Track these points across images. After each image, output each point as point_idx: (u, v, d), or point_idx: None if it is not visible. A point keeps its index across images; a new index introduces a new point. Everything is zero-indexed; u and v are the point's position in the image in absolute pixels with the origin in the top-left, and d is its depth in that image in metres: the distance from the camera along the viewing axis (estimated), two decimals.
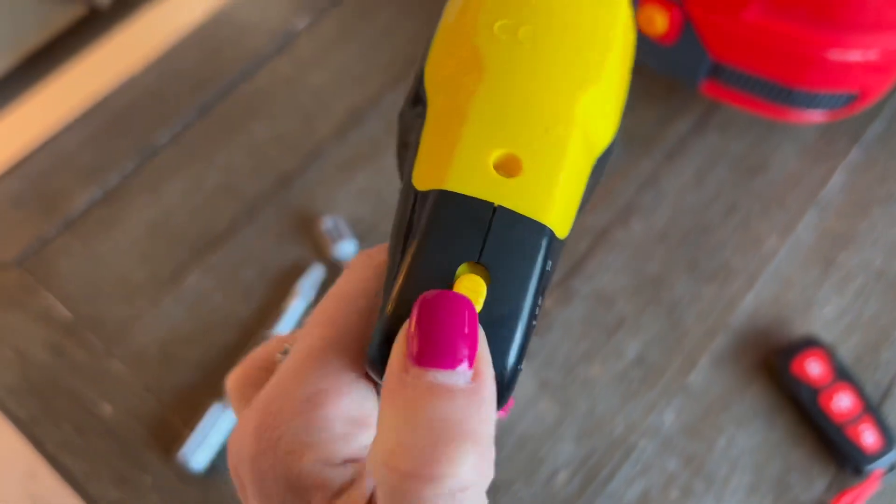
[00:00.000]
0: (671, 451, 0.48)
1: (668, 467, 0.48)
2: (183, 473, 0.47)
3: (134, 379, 0.51)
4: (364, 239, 0.54)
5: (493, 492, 0.47)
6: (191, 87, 0.61)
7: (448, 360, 0.17)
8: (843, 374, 0.49)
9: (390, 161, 0.58)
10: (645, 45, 0.52)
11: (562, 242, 0.20)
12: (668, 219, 0.55)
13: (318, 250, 0.54)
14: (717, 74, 0.52)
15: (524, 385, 0.50)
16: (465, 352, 0.17)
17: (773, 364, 0.50)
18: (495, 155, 0.20)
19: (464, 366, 0.17)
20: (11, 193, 0.57)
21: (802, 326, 0.52)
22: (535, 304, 0.19)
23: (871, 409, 0.48)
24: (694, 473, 0.48)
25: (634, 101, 0.59)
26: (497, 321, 0.18)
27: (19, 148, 0.86)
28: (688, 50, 0.51)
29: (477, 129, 0.20)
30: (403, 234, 0.19)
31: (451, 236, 0.19)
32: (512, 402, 0.23)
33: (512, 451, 0.48)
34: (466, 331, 0.17)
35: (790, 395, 0.49)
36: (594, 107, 0.21)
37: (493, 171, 0.19)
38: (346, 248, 0.53)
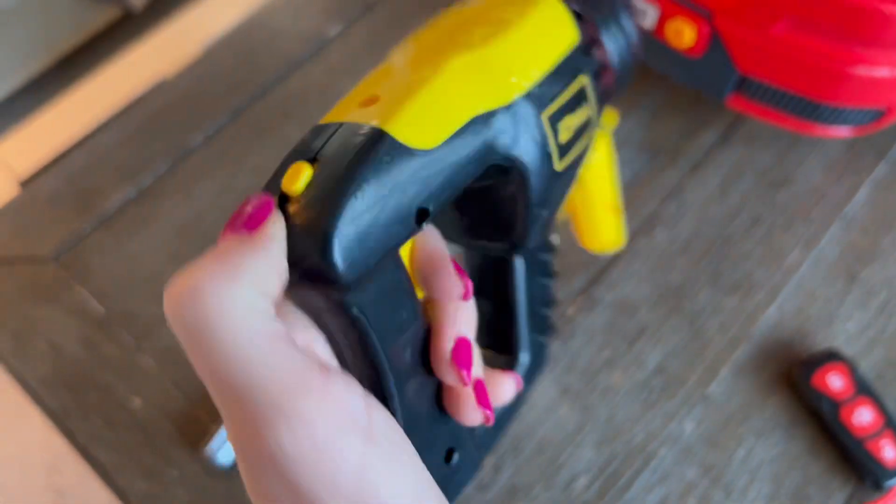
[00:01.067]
0: (690, 460, 0.49)
1: (686, 476, 0.48)
2: (209, 467, 0.49)
3: (163, 374, 0.52)
4: None
5: (512, 495, 0.48)
6: (225, 90, 0.62)
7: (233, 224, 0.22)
8: (864, 389, 0.49)
9: None
10: (672, 58, 0.53)
11: (416, 150, 0.22)
12: (692, 230, 0.56)
13: None
14: (743, 88, 0.52)
15: (545, 390, 0.51)
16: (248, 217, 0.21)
17: (794, 376, 0.50)
18: (363, 97, 0.24)
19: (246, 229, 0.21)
20: (49, 190, 0.59)
21: (824, 340, 0.52)
22: (360, 183, 0.21)
23: (891, 425, 0.48)
24: (713, 483, 0.48)
25: (659, 111, 0.60)
26: (322, 187, 0.21)
27: (57, 146, 0.88)
28: (715, 63, 0.51)
29: (358, 88, 0.25)
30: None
31: (302, 145, 0.23)
32: (489, 416, 0.26)
33: (531, 454, 0.49)
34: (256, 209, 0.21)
35: (811, 408, 0.49)
36: (473, 66, 0.24)
37: (356, 106, 0.23)
38: None
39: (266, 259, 0.20)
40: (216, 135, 0.60)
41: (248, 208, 0.22)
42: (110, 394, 0.51)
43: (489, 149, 0.24)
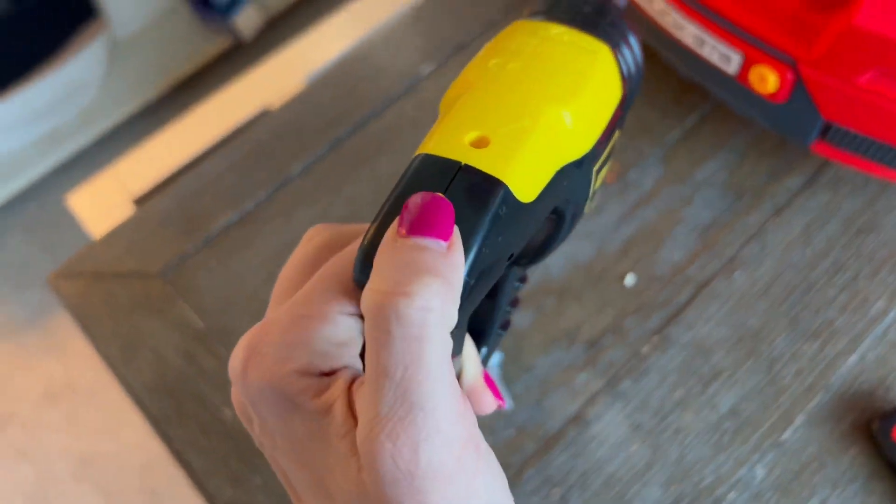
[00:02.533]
0: None
1: None
2: None
3: None
4: None
5: None
6: (326, 122, 0.66)
7: (429, 230, 0.21)
8: None
9: None
10: (755, 103, 0.53)
11: (521, 204, 0.24)
12: (773, 274, 0.56)
13: None
14: (828, 134, 0.52)
15: (616, 426, 0.52)
16: (443, 227, 0.22)
17: (874, 429, 0.49)
18: (470, 135, 0.24)
19: (441, 239, 0.22)
20: (161, 212, 0.64)
21: None
22: (484, 241, 0.23)
23: None
24: None
25: (744, 153, 0.60)
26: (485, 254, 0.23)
27: (168, 169, 0.95)
28: (799, 110, 0.51)
29: (459, 117, 0.25)
30: (391, 191, 0.24)
31: (421, 184, 0.23)
32: (503, 402, 0.29)
33: (599, 489, 0.50)
34: (443, 213, 0.22)
35: (891, 463, 0.48)
36: (562, 120, 0.26)
37: (467, 144, 0.24)
38: None
39: (460, 273, 0.22)
40: (315, 164, 0.64)
41: (429, 202, 0.22)
42: (205, 403, 0.55)
43: (561, 198, 0.27)
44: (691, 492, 0.49)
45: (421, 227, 0.22)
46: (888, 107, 0.47)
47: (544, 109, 0.26)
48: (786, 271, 0.56)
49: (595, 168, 0.28)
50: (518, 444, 0.52)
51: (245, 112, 1.02)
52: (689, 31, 0.54)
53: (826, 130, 0.52)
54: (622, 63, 0.30)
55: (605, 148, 0.28)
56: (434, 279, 0.21)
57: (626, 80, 0.30)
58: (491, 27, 0.70)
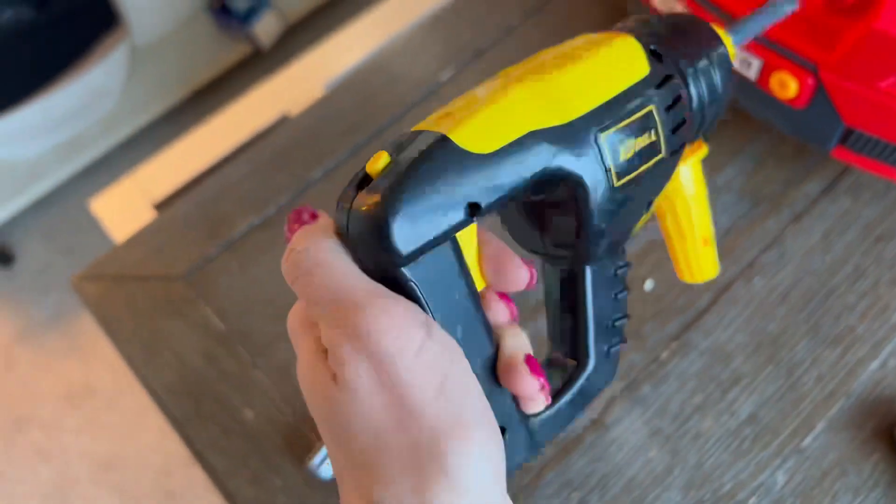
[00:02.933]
0: None
1: None
2: (310, 479, 0.52)
3: (274, 390, 0.56)
4: None
5: None
6: (346, 128, 0.67)
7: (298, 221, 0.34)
8: None
9: None
10: (775, 108, 0.53)
11: (471, 153, 0.26)
12: (792, 280, 0.55)
13: None
14: (849, 140, 0.52)
15: (635, 431, 0.52)
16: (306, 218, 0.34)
17: (895, 435, 0.49)
18: (442, 113, 0.28)
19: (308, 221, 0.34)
20: (183, 216, 0.65)
21: None
22: (420, 175, 0.26)
23: None
24: None
25: (763, 159, 0.60)
26: (391, 175, 0.26)
27: (189, 174, 0.96)
28: (820, 115, 0.51)
29: (445, 107, 0.29)
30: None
31: (389, 144, 0.28)
32: (546, 383, 0.29)
33: (619, 493, 0.50)
34: (302, 213, 0.35)
35: None
36: (534, 88, 0.28)
37: (435, 119, 0.28)
38: None
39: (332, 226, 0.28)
40: (335, 170, 0.65)
41: (303, 215, 0.34)
42: (226, 404, 0.56)
43: (542, 159, 0.28)
44: (711, 497, 0.49)
45: (293, 222, 0.34)
46: None
47: (519, 84, 0.28)
48: (805, 277, 0.56)
49: (605, 135, 0.29)
50: None
51: (264, 119, 1.03)
52: None
53: (847, 136, 0.52)
54: (668, 67, 0.31)
55: (617, 119, 0.29)
56: (302, 234, 0.28)
57: (679, 82, 0.31)
58: (509, 33, 0.70)
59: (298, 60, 1.09)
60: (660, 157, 0.31)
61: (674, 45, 0.32)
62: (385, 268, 0.26)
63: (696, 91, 0.32)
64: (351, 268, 0.26)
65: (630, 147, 0.30)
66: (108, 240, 0.90)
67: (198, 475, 1.28)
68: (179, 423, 0.56)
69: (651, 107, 0.30)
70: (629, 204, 0.31)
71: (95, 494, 1.31)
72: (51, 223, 1.62)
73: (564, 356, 0.34)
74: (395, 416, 0.25)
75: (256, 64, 1.70)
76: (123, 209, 0.98)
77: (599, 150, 0.29)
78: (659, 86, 0.31)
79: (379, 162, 0.27)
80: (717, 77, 0.33)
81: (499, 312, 0.30)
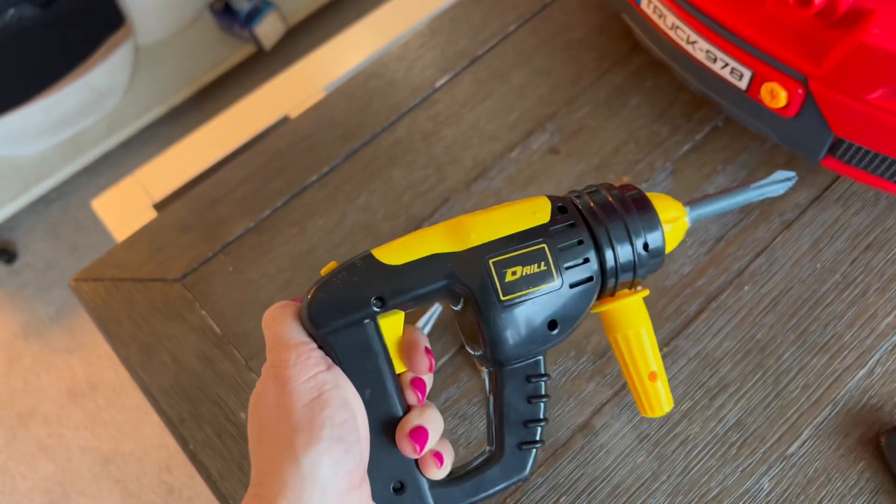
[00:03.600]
0: None
1: None
2: None
3: None
4: None
5: None
6: (340, 134, 0.67)
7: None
8: None
9: None
10: (765, 117, 0.54)
11: (384, 264, 0.36)
12: (781, 288, 0.56)
13: None
14: (838, 150, 0.53)
15: (623, 436, 0.52)
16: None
17: (882, 443, 0.50)
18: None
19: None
20: (180, 219, 0.66)
21: None
22: (340, 274, 0.36)
23: None
24: None
25: (754, 168, 0.60)
26: (325, 277, 0.36)
27: (188, 175, 0.96)
28: (810, 125, 0.52)
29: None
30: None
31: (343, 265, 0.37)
32: (419, 448, 0.36)
33: (605, 498, 0.50)
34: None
35: None
36: (447, 227, 0.37)
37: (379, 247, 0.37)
38: None
39: (293, 307, 0.37)
40: (329, 175, 0.66)
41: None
42: (221, 407, 0.57)
43: (439, 272, 0.36)
44: (697, 502, 0.50)
45: None
46: None
47: (440, 225, 0.37)
48: (794, 286, 0.56)
49: (493, 261, 0.36)
50: None
51: (264, 121, 1.04)
52: (700, 46, 0.54)
53: (836, 146, 0.53)
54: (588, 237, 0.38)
55: (506, 251, 0.36)
56: (278, 306, 0.37)
57: (588, 236, 0.38)
58: (504, 39, 0.71)
59: (298, 63, 1.10)
60: (551, 283, 0.37)
61: (595, 213, 0.38)
62: (317, 334, 0.35)
63: (608, 252, 0.38)
64: (289, 331, 0.35)
65: (517, 272, 0.36)
66: (110, 238, 0.91)
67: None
68: (174, 425, 0.57)
69: (542, 245, 0.37)
70: (525, 319, 0.37)
71: (97, 489, 1.32)
72: (54, 221, 1.63)
73: (488, 447, 0.39)
74: (277, 415, 0.33)
75: (258, 65, 1.70)
76: (125, 209, 0.98)
77: (487, 272, 0.36)
78: (555, 230, 0.37)
79: (327, 269, 0.36)
80: (633, 249, 0.38)
81: (409, 395, 0.37)
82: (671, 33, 0.56)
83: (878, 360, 0.53)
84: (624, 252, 0.38)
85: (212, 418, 0.56)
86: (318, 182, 0.66)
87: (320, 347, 0.36)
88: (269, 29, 1.62)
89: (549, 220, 0.38)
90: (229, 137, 1.04)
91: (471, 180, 0.64)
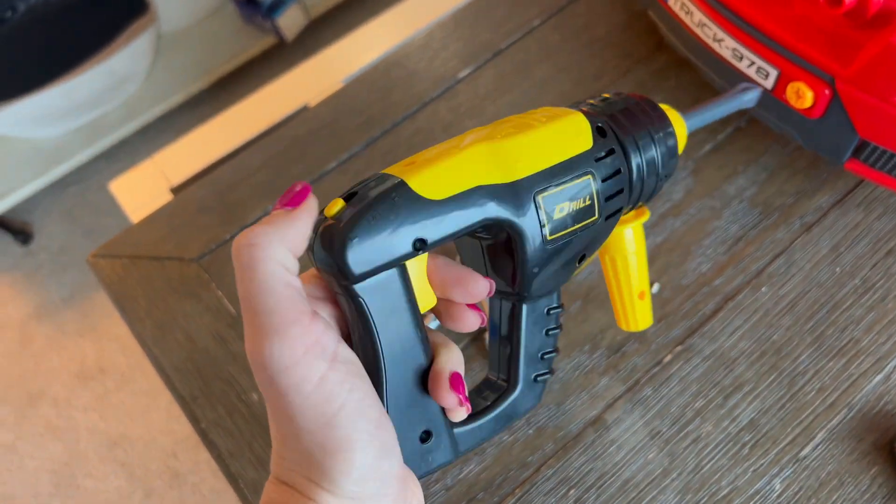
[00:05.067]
0: None
1: None
2: None
3: None
4: None
5: None
6: (361, 122, 0.68)
7: (283, 203, 0.30)
8: None
9: None
10: (790, 118, 0.54)
11: (424, 198, 0.31)
12: (799, 290, 0.56)
13: None
14: (863, 152, 0.52)
15: (635, 432, 0.52)
16: (292, 200, 0.30)
17: (895, 449, 0.49)
18: (408, 161, 0.33)
19: (288, 206, 0.30)
20: (199, 200, 0.66)
21: None
22: (375, 211, 0.30)
23: None
24: None
25: (776, 169, 0.60)
26: (346, 215, 0.30)
27: (207, 160, 0.97)
28: (835, 126, 0.51)
29: (413, 156, 0.34)
30: None
31: (352, 187, 0.32)
32: (463, 398, 0.33)
33: (615, 493, 0.50)
34: (296, 192, 0.30)
35: None
36: (484, 151, 0.33)
37: (400, 167, 0.32)
38: None
39: (298, 228, 0.29)
40: (349, 162, 0.66)
41: (296, 188, 0.31)
42: (233, 386, 0.57)
43: (485, 209, 0.32)
44: (707, 502, 0.49)
45: (281, 201, 0.30)
46: None
47: (475, 145, 0.33)
48: (812, 289, 0.56)
49: (541, 196, 0.34)
50: (537, 444, 0.52)
51: (283, 111, 1.04)
52: (727, 45, 0.54)
53: (861, 148, 0.52)
54: (616, 144, 0.36)
55: (554, 184, 0.34)
56: (264, 226, 0.29)
57: (622, 156, 0.36)
58: (528, 33, 0.71)
59: (319, 54, 1.10)
60: (593, 219, 0.35)
61: (621, 122, 0.37)
62: (341, 284, 0.31)
63: (636, 163, 0.37)
64: (280, 285, 0.28)
65: (564, 209, 0.34)
66: (127, 222, 0.92)
67: (204, 457, 1.29)
68: (186, 403, 0.57)
69: (588, 177, 0.35)
70: (561, 256, 0.35)
71: (103, 472, 1.33)
72: (70, 204, 1.64)
73: (497, 379, 0.39)
74: (289, 433, 0.29)
75: (278, 56, 1.71)
76: (142, 192, 0.99)
77: (536, 208, 0.33)
78: (599, 159, 0.35)
79: (335, 207, 0.31)
80: (658, 154, 0.37)
81: (469, 320, 0.34)
82: (698, 31, 0.56)
83: (895, 366, 0.52)
84: (650, 179, 0.37)
85: (223, 397, 0.57)
86: (337, 169, 0.66)
87: (342, 296, 0.31)
88: (290, 20, 1.63)
89: (593, 146, 0.35)
90: (249, 125, 1.04)
91: None
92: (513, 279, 0.35)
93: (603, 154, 0.35)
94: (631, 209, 0.39)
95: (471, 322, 0.34)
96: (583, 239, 0.36)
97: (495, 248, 0.35)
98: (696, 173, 0.61)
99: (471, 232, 0.33)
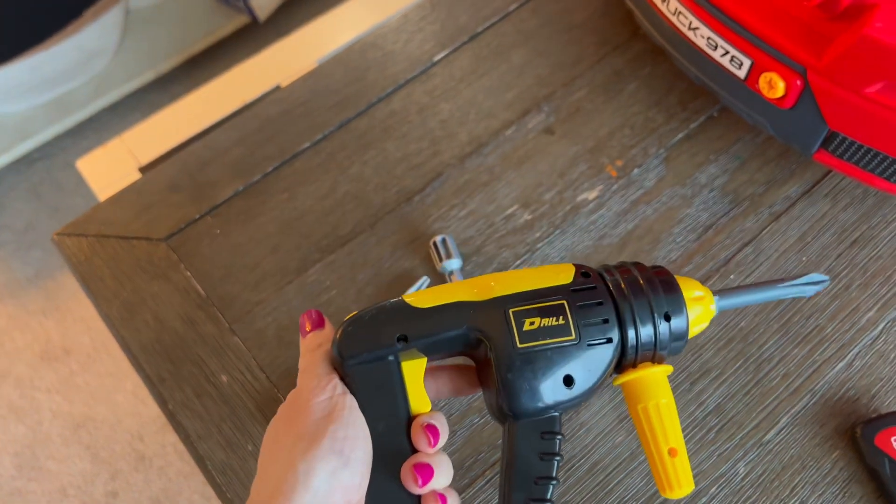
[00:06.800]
0: (739, 503, 0.49)
1: None
2: None
3: (250, 357, 0.56)
4: (469, 258, 0.58)
5: None
6: (335, 103, 0.67)
7: (306, 327, 0.41)
8: None
9: (502, 190, 0.62)
10: (762, 107, 0.54)
11: (412, 307, 0.38)
12: (767, 278, 0.56)
13: (428, 263, 0.59)
14: (832, 143, 0.53)
15: (603, 416, 0.52)
16: (315, 322, 0.41)
17: (857, 434, 0.50)
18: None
19: (316, 328, 0.41)
20: (168, 178, 0.65)
21: (894, 403, 0.52)
22: (372, 311, 0.39)
23: None
24: None
25: (747, 159, 0.61)
26: (353, 316, 0.39)
27: (177, 139, 0.95)
28: (805, 116, 0.52)
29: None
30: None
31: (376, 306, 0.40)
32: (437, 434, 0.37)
33: (583, 476, 0.51)
34: (314, 316, 0.41)
35: (871, 468, 0.49)
36: (471, 283, 0.39)
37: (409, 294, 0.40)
38: (451, 265, 0.57)
39: (328, 337, 0.40)
40: (323, 142, 0.65)
41: (312, 315, 0.41)
42: (202, 368, 0.56)
43: (461, 316, 0.38)
44: None
45: (303, 328, 0.41)
46: (892, 118, 0.48)
47: (468, 281, 0.40)
48: (779, 276, 0.57)
49: (512, 311, 0.38)
50: None
51: (256, 91, 1.03)
52: (701, 33, 0.54)
53: (829, 140, 0.53)
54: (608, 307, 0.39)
55: (526, 302, 0.38)
56: (309, 336, 0.40)
57: (609, 303, 0.39)
58: (505, 17, 0.70)
59: (293, 34, 1.09)
60: (569, 338, 0.38)
61: (623, 286, 0.39)
62: (342, 365, 0.38)
63: (634, 325, 0.39)
64: (319, 365, 0.38)
65: (535, 322, 0.38)
66: (94, 201, 0.90)
67: (170, 440, 1.28)
68: (154, 384, 0.57)
69: (562, 301, 0.38)
70: (538, 368, 0.37)
71: (66, 454, 1.31)
72: (36, 181, 1.60)
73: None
74: (288, 429, 0.36)
75: (252, 36, 1.68)
76: (110, 170, 0.97)
77: (506, 319, 0.38)
78: (575, 290, 0.39)
79: (350, 315, 0.39)
80: (661, 324, 0.39)
81: (420, 439, 0.37)
82: (673, 19, 0.56)
83: (857, 354, 0.54)
84: (646, 328, 0.39)
85: (192, 379, 0.56)
86: (310, 149, 0.65)
87: (342, 379, 0.38)
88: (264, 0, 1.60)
89: (571, 282, 0.39)
90: (220, 105, 1.03)
91: (465, 156, 0.64)
92: (496, 391, 0.38)
93: (580, 287, 0.39)
94: (642, 361, 0.40)
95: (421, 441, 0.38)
96: (561, 356, 0.37)
97: (481, 365, 0.39)
98: (668, 161, 0.62)
99: (458, 346, 0.38)
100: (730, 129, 0.63)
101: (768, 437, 0.51)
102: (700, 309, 0.40)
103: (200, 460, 0.54)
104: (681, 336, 0.40)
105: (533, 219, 0.60)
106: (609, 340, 0.38)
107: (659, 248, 0.58)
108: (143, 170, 0.97)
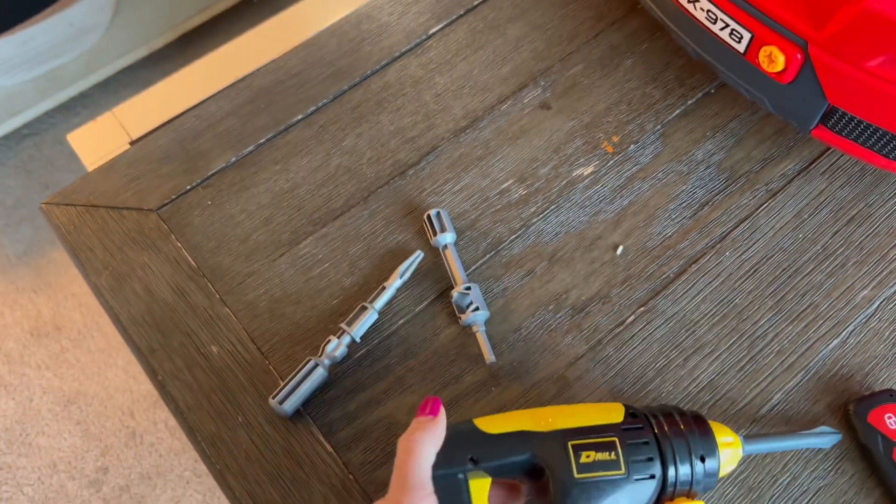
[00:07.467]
0: (733, 480, 0.49)
1: (727, 494, 0.49)
2: (271, 417, 0.52)
3: (241, 328, 0.56)
4: (462, 232, 0.58)
5: None
6: (329, 74, 0.66)
7: (424, 411, 0.43)
8: None
9: (497, 165, 0.61)
10: (761, 82, 0.54)
11: (483, 432, 0.43)
12: (762, 255, 0.56)
13: (421, 237, 0.58)
14: (831, 119, 0.53)
15: (596, 390, 0.52)
16: (432, 409, 0.43)
17: (850, 411, 0.50)
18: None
19: (430, 414, 0.42)
20: (160, 149, 0.64)
21: (888, 380, 0.52)
22: (451, 436, 0.42)
23: None
24: None
25: (744, 136, 0.60)
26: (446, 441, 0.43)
27: (169, 113, 0.94)
28: (804, 91, 0.51)
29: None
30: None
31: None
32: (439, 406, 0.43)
33: None
34: (434, 404, 0.43)
35: (863, 445, 0.49)
36: (541, 414, 0.44)
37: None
38: (445, 239, 0.56)
39: (439, 431, 0.41)
40: (316, 114, 0.64)
41: (429, 402, 0.43)
42: (192, 339, 0.56)
43: (525, 444, 0.42)
44: None
45: (422, 410, 0.43)
46: (893, 93, 0.47)
47: (533, 411, 0.44)
48: (775, 254, 0.56)
49: (571, 444, 0.42)
50: (500, 400, 0.52)
51: (249, 67, 1.02)
52: (701, 6, 0.54)
53: (829, 115, 0.52)
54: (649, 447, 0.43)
55: (583, 436, 0.42)
56: (419, 429, 0.41)
57: (654, 442, 0.43)
58: None
59: (287, 10, 1.08)
60: (619, 472, 0.42)
61: (664, 426, 0.44)
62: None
63: (674, 461, 0.43)
64: (419, 468, 0.40)
65: (591, 456, 0.42)
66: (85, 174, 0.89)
67: (161, 417, 1.27)
68: (144, 355, 0.56)
69: (614, 438, 0.43)
70: (592, 499, 0.41)
71: (57, 429, 1.31)
72: (26, 157, 1.59)
73: None
74: None
75: (246, 13, 1.67)
76: (101, 144, 0.96)
77: (566, 451, 0.42)
78: (626, 429, 0.43)
79: None
80: (696, 462, 0.43)
81: None
82: None
83: (851, 332, 0.53)
84: (684, 466, 0.43)
85: (182, 350, 0.56)
86: (303, 121, 0.64)
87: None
88: None
89: (622, 421, 0.43)
90: (213, 80, 1.01)
91: (460, 130, 0.63)
92: None
93: (630, 426, 0.43)
94: (678, 496, 0.44)
95: None
96: (612, 488, 0.42)
97: (538, 488, 0.43)
98: (665, 137, 0.61)
99: (519, 471, 0.42)
100: (727, 105, 0.62)
101: (761, 412, 0.51)
102: (730, 451, 0.45)
103: (190, 431, 0.54)
104: (713, 475, 0.44)
105: (528, 194, 0.60)
106: (652, 476, 0.42)
107: (654, 225, 0.58)
108: (133, 143, 0.96)
